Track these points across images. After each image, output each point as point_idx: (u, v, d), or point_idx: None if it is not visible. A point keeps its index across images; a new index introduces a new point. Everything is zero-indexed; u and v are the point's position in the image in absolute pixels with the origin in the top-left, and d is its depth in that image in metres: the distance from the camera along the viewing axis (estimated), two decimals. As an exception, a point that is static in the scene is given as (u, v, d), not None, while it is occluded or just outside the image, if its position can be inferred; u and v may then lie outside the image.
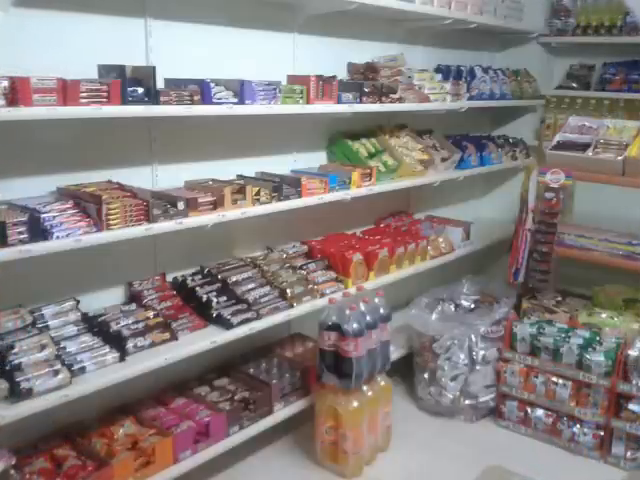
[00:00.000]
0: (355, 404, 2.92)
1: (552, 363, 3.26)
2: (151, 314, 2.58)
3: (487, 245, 4.27)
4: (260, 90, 2.66)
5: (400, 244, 3.53)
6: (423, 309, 3.66)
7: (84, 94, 2.10)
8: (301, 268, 3.14)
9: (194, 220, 2.49)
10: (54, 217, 2.15)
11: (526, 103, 4.54)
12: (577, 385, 3.18)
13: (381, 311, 3.04)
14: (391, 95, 3.33)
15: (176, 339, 2.54)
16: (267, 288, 2.91)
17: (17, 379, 2.08)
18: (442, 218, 4.25)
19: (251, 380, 3.04)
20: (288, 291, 2.92)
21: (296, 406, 3.08)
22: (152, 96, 2.29)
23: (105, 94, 2.16)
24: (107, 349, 2.36)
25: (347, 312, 2.86)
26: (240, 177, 2.99)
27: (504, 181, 4.80)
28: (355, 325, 2.83)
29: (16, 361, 2.14)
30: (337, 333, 2.86)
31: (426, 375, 3.54)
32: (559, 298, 3.78)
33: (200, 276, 2.92)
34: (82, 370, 2.25)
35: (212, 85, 2.52)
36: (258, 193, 2.74)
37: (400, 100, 3.39)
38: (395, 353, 3.53)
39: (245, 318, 2.71)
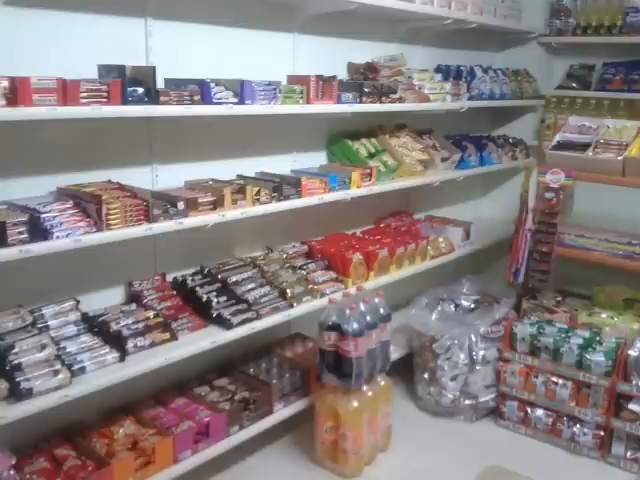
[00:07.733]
0: (355, 404, 2.92)
1: (552, 363, 3.26)
2: (151, 314, 2.58)
3: (487, 245, 4.26)
4: (260, 90, 2.66)
5: (400, 244, 3.53)
6: (423, 309, 3.65)
7: (84, 94, 2.10)
8: (301, 268, 3.14)
9: (194, 220, 2.49)
10: (54, 217, 2.15)
11: (526, 103, 4.54)
12: (577, 385, 3.18)
13: (381, 311, 3.04)
14: (391, 95, 3.33)
15: (176, 339, 2.54)
16: (267, 288, 2.91)
17: (17, 379, 2.08)
18: (442, 218, 4.25)
19: (251, 380, 3.04)
20: (288, 291, 2.92)
21: (296, 406, 3.08)
22: (152, 96, 2.29)
23: (105, 94, 2.16)
24: (107, 349, 2.36)
25: (347, 312, 2.85)
26: (240, 177, 2.99)
27: (504, 181, 4.80)
28: (355, 325, 2.83)
29: (16, 361, 2.14)
30: (337, 333, 2.86)
31: (426, 375, 3.54)
32: (559, 298, 3.78)
33: (200, 276, 2.92)
34: (82, 370, 2.25)
35: (212, 85, 2.53)
36: (258, 193, 2.74)
37: (400, 100, 3.39)
38: (395, 353, 3.53)
39: (245, 318, 2.71)
